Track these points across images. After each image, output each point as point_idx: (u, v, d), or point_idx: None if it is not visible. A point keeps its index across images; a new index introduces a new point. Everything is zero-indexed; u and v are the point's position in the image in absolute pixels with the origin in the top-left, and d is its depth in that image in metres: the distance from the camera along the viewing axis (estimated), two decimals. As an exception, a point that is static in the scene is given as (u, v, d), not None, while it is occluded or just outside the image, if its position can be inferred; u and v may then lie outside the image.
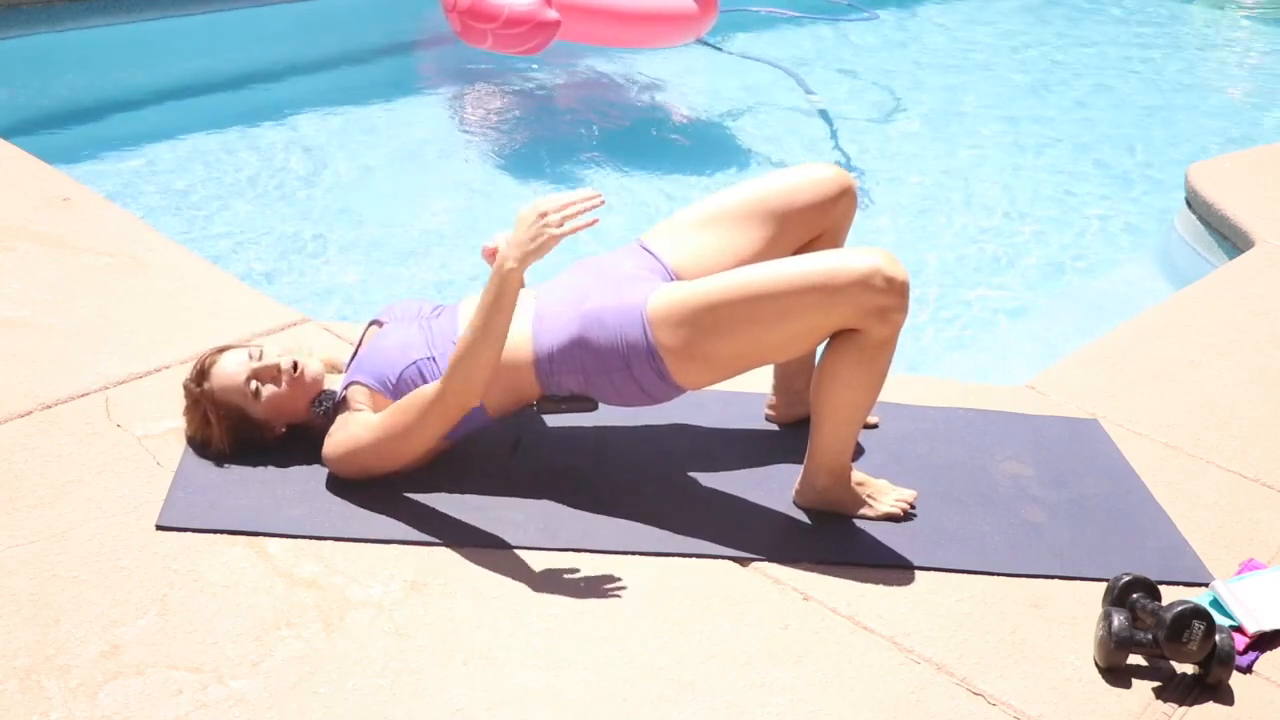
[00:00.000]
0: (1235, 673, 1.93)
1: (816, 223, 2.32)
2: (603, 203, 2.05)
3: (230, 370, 2.21)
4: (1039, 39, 8.03)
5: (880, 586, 2.07)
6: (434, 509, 2.15)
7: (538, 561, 2.06)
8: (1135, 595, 1.97)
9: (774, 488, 2.31)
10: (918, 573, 2.12)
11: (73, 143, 4.96)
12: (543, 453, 2.38)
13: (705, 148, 5.72)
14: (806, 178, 2.32)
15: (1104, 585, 2.05)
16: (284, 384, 2.21)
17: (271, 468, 2.23)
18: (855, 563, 2.13)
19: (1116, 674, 1.92)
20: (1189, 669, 1.92)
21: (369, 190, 4.78)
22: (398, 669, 1.79)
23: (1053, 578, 2.14)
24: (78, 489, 2.13)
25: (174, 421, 2.32)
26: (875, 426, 2.56)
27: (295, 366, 2.22)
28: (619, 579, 2.03)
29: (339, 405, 2.23)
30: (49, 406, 2.37)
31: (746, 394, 2.60)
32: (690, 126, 6.01)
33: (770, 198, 2.30)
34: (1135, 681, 1.91)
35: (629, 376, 2.14)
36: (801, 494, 2.26)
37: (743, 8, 6.85)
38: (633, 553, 2.10)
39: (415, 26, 7.11)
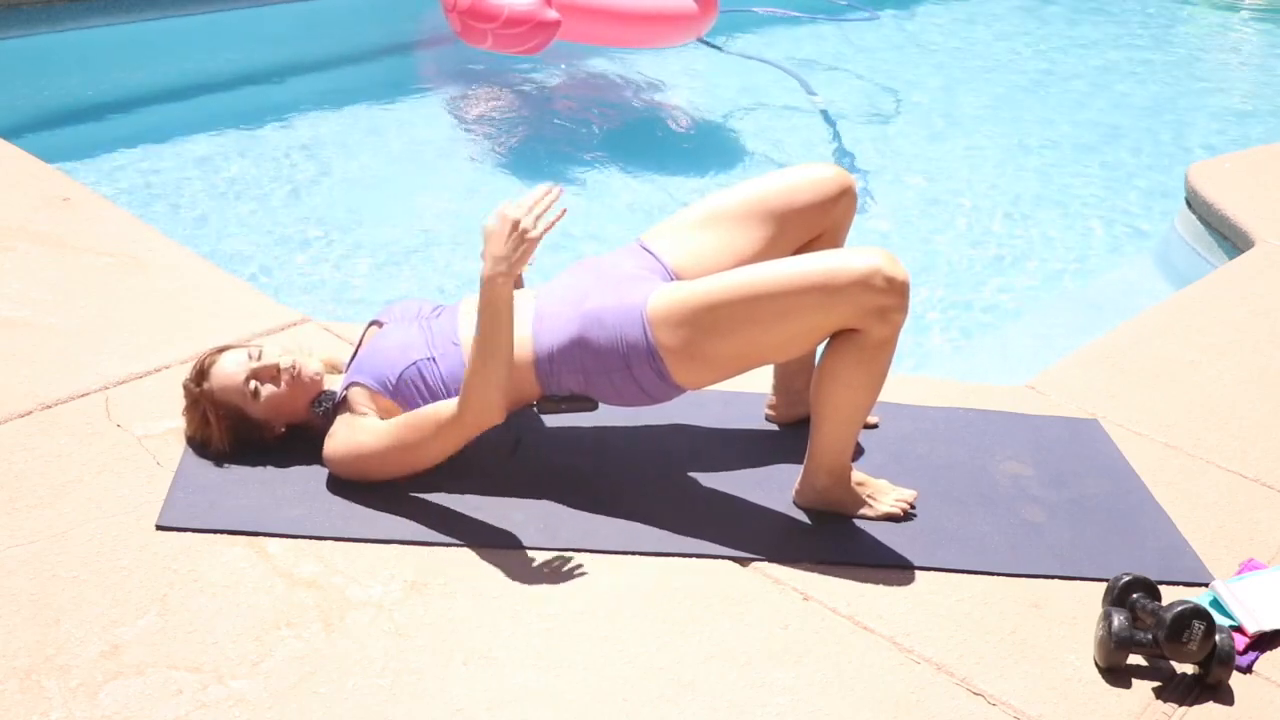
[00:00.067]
0: (1235, 673, 1.93)
1: (816, 223, 2.32)
2: (562, 193, 2.04)
3: (229, 370, 2.21)
4: (1039, 39, 8.04)
5: (880, 586, 2.07)
6: (434, 509, 2.15)
7: (538, 561, 2.06)
8: (1135, 595, 1.97)
9: (774, 488, 2.31)
10: (918, 573, 2.12)
11: (73, 143, 4.96)
12: (543, 453, 2.38)
13: (705, 148, 5.72)
14: (806, 177, 2.32)
15: (1104, 585, 2.05)
16: (283, 384, 2.21)
17: (271, 468, 2.23)
18: (855, 563, 2.13)
19: (1116, 674, 1.92)
20: (1189, 669, 1.92)
21: (369, 190, 4.78)
22: (398, 669, 1.79)
23: (1053, 578, 2.14)
24: (78, 489, 2.13)
25: (174, 421, 2.32)
26: (875, 426, 2.56)
27: (294, 367, 2.22)
28: (619, 579, 2.03)
29: (339, 405, 2.23)
30: (49, 406, 2.37)
31: (746, 394, 2.60)
32: (690, 126, 6.01)
33: (770, 198, 2.30)
34: (1135, 681, 1.91)
35: (629, 376, 2.14)
36: (801, 494, 2.26)
37: (743, 8, 6.84)
38: (633, 553, 2.10)
39: (415, 26, 7.11)
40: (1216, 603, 2.06)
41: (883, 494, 2.28)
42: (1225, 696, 1.90)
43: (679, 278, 2.25)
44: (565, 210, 2.04)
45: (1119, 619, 1.91)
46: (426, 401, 2.16)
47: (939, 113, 6.25)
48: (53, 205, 3.34)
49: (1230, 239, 4.01)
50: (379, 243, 4.25)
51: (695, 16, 5.57)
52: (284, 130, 5.26)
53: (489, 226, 1.99)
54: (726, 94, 6.40)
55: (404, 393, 2.17)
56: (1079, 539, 2.25)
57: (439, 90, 6.35)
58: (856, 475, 2.26)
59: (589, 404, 2.23)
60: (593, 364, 2.15)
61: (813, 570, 2.10)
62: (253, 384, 2.20)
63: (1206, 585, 2.13)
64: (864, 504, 2.25)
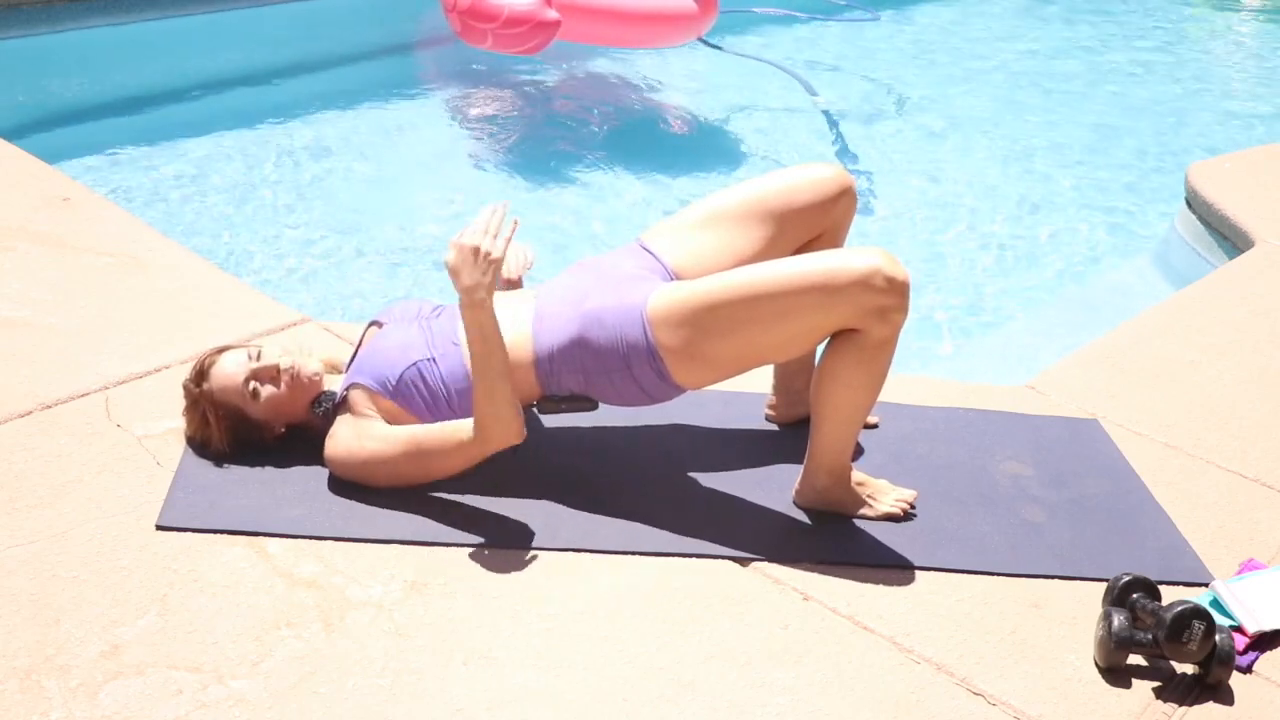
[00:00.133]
0: (1235, 673, 1.93)
1: (816, 222, 2.32)
2: (508, 205, 2.05)
3: (229, 371, 2.21)
4: (1039, 39, 8.04)
5: (880, 586, 2.07)
6: (434, 509, 2.15)
7: (538, 561, 2.06)
8: (1135, 595, 1.97)
9: (774, 488, 2.31)
10: (918, 573, 2.12)
11: (73, 143, 4.96)
12: (543, 453, 2.38)
13: (705, 148, 5.72)
14: (806, 177, 2.32)
15: (1104, 585, 2.05)
16: (283, 385, 2.21)
17: (271, 468, 2.23)
18: (855, 563, 2.13)
19: (1116, 674, 1.92)
20: (1189, 669, 1.92)
21: (368, 190, 4.78)
22: (398, 669, 1.79)
23: (1053, 578, 2.14)
24: (78, 489, 2.13)
25: (174, 421, 2.32)
26: (875, 426, 2.56)
27: (294, 367, 2.22)
28: (619, 579, 2.03)
29: (339, 406, 2.23)
30: (49, 406, 2.37)
31: (746, 394, 2.60)
32: (690, 126, 6.01)
33: (770, 197, 2.30)
34: (1135, 681, 1.91)
35: (629, 376, 2.14)
36: (801, 494, 2.26)
37: (743, 8, 6.84)
38: (633, 553, 2.10)
39: (415, 26, 7.11)
40: (1216, 603, 2.06)
41: (883, 494, 2.28)
42: (1225, 696, 1.89)
43: (679, 278, 2.25)
44: (517, 221, 2.05)
45: (1119, 619, 1.91)
46: (427, 402, 2.16)
47: (939, 113, 6.25)
48: (53, 205, 3.34)
49: (1230, 239, 4.01)
50: (379, 243, 4.25)
51: (695, 16, 5.58)
52: (284, 130, 5.26)
53: (451, 262, 1.99)
54: (726, 94, 6.40)
55: (404, 393, 2.17)
56: (1079, 539, 2.25)
57: (439, 90, 6.35)
58: (856, 475, 2.26)
59: (589, 404, 2.23)
60: (593, 364, 2.15)
61: (813, 570, 2.10)
62: (252, 384, 2.20)
63: (1206, 585, 2.13)
64: (864, 504, 2.25)
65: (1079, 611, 2.05)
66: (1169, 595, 2.01)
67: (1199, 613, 1.86)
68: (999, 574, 2.14)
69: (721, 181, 5.01)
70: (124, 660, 1.75)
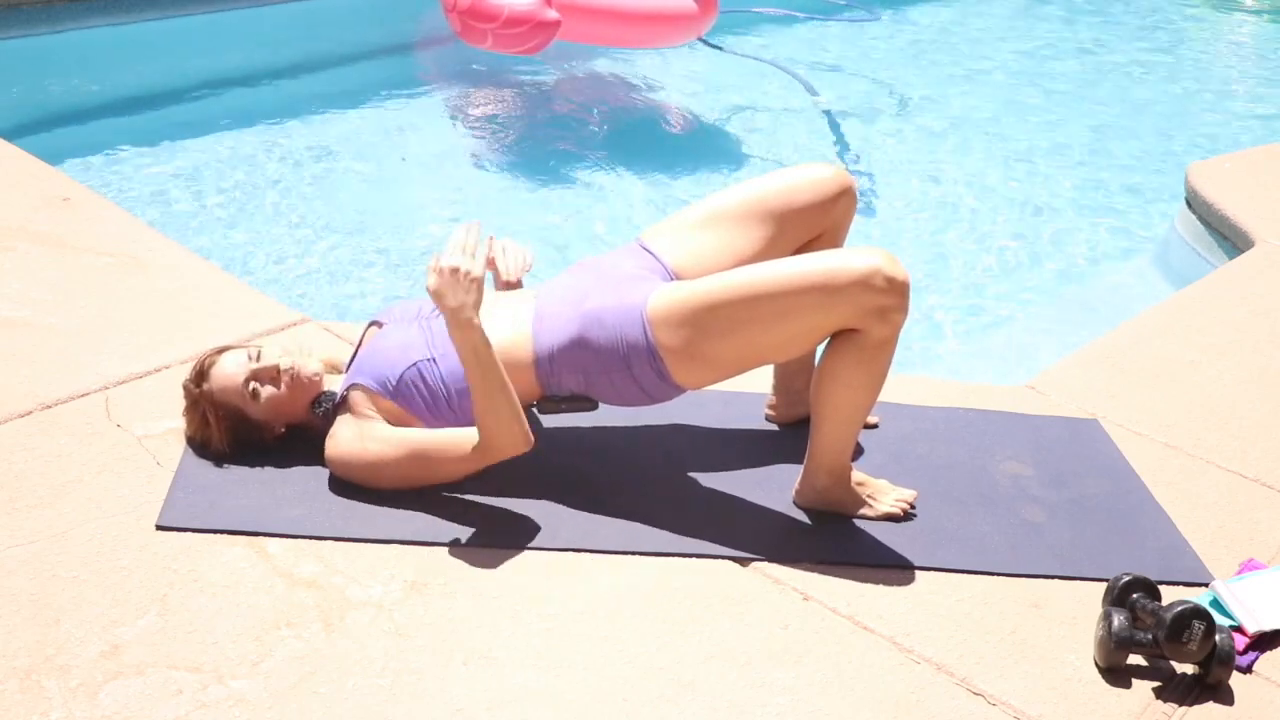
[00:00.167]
0: (1235, 673, 1.93)
1: (816, 222, 2.32)
2: (480, 225, 2.06)
3: (229, 371, 2.21)
4: (1040, 39, 8.03)
5: (880, 586, 2.07)
6: (434, 509, 2.15)
7: (538, 561, 2.06)
8: (1135, 595, 1.97)
9: (774, 488, 2.31)
10: (918, 573, 2.12)
11: (73, 143, 4.96)
12: (543, 453, 2.37)
13: (705, 148, 5.72)
14: (806, 177, 2.32)
15: (1104, 585, 2.05)
16: (283, 385, 2.21)
17: (271, 468, 2.23)
18: (855, 563, 2.13)
19: (1116, 674, 1.92)
20: (1189, 669, 1.92)
21: (368, 190, 4.78)
22: (398, 669, 1.79)
23: (1053, 578, 2.14)
24: (78, 489, 2.13)
25: (174, 421, 2.32)
26: (875, 426, 2.56)
27: (294, 368, 2.22)
28: (619, 579, 2.03)
29: (339, 406, 2.23)
30: (49, 406, 2.37)
31: (746, 394, 2.60)
32: (690, 126, 6.01)
33: (770, 197, 2.30)
34: (1135, 681, 1.91)
35: (629, 376, 2.14)
36: (801, 494, 2.26)
37: (743, 8, 6.84)
38: (633, 553, 2.10)
39: (415, 26, 7.11)
40: (1216, 603, 2.06)
41: (883, 494, 2.28)
42: (1225, 696, 1.89)
43: (679, 277, 2.25)
44: (492, 237, 2.05)
45: (1119, 619, 1.91)
46: (427, 402, 2.16)
47: (939, 113, 6.25)
48: (53, 205, 3.34)
49: (1230, 239, 4.01)
50: (379, 243, 4.25)
51: (695, 16, 5.57)
52: (284, 130, 5.26)
53: (433, 286, 1.98)
54: (726, 94, 6.40)
55: (404, 393, 2.17)
56: (1079, 539, 2.25)
57: (439, 90, 6.35)
58: (856, 475, 2.26)
59: (589, 404, 2.23)
60: (593, 364, 2.15)
61: (813, 570, 2.10)
62: (252, 385, 2.20)
63: (1206, 585, 2.13)
64: (864, 504, 2.25)
65: (1079, 611, 2.05)
66: (1169, 595, 2.01)
67: (1199, 613, 1.86)
68: (999, 574, 2.14)
69: (721, 181, 5.01)
70: (124, 660, 1.75)
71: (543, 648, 1.86)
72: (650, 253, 2.30)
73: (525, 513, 2.17)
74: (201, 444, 2.25)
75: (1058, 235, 4.76)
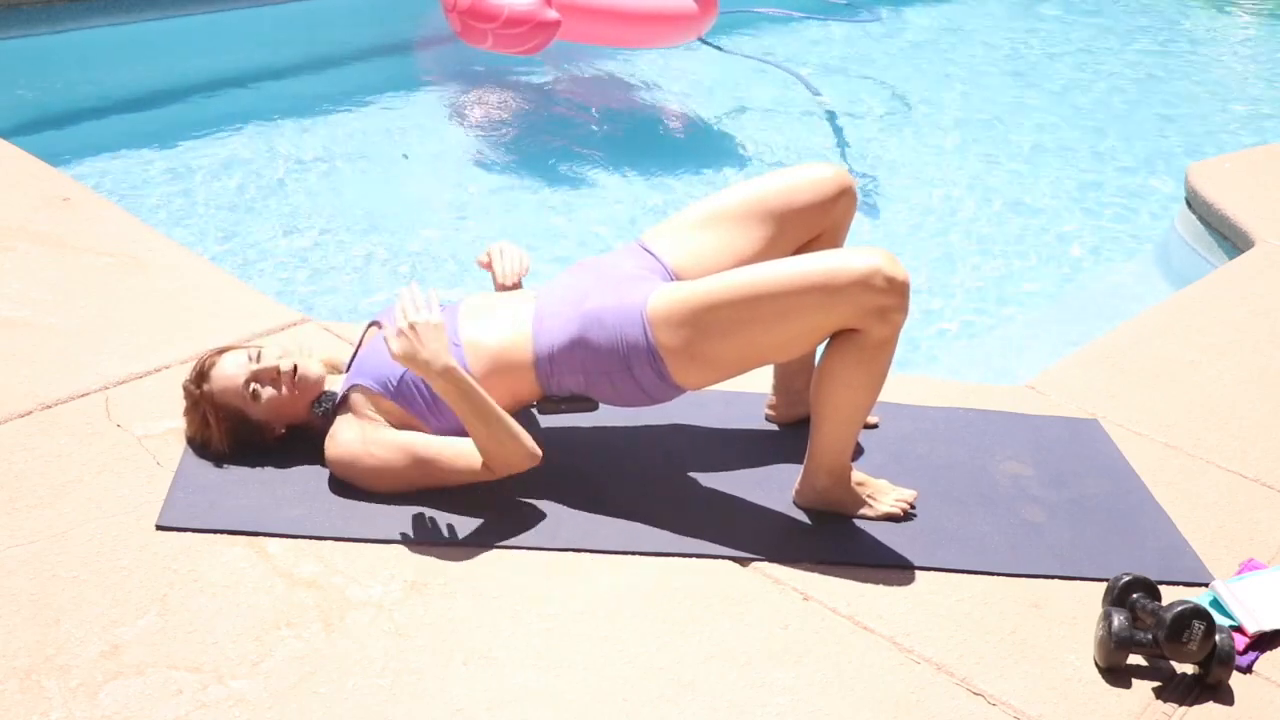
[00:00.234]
0: (1235, 673, 1.93)
1: (816, 222, 2.32)
2: (416, 285, 2.10)
3: (229, 372, 2.21)
4: (1040, 39, 8.03)
5: (880, 586, 2.07)
6: (434, 509, 2.15)
7: (538, 561, 2.06)
8: (1135, 595, 1.97)
9: (774, 488, 2.31)
10: (918, 573, 2.12)
11: (73, 143, 4.96)
12: (543, 453, 2.37)
13: (705, 148, 5.72)
14: (806, 177, 2.32)
15: (1104, 585, 2.05)
16: (283, 386, 2.21)
17: (271, 468, 2.23)
18: (855, 563, 2.13)
19: (1116, 674, 1.92)
20: (1189, 669, 1.92)
21: (368, 190, 4.78)
22: (398, 669, 1.79)
23: (1053, 578, 2.14)
24: (78, 489, 2.13)
25: (174, 421, 2.32)
26: (875, 426, 2.56)
27: (294, 369, 2.22)
28: (619, 579, 2.03)
29: (339, 406, 2.23)
30: (49, 406, 2.37)
31: (746, 394, 2.60)
32: (690, 126, 6.01)
33: (770, 198, 2.30)
34: (1135, 681, 1.91)
35: (629, 377, 2.14)
36: (801, 494, 2.26)
37: (743, 8, 6.84)
38: (633, 553, 2.10)
39: (415, 26, 7.11)
40: (1216, 603, 2.06)
41: (883, 494, 2.28)
42: (1225, 696, 1.90)
43: (679, 278, 2.25)
44: (435, 290, 2.10)
45: (1119, 619, 1.91)
46: (427, 402, 2.16)
47: (940, 113, 6.24)
48: (53, 205, 3.34)
49: (1230, 239, 4.01)
50: (379, 243, 4.25)
51: (695, 16, 5.57)
52: (284, 130, 5.26)
53: (400, 351, 2.01)
54: (727, 94, 6.40)
55: (405, 394, 2.17)
56: (1079, 539, 2.25)
57: (439, 91, 6.35)
58: (856, 475, 2.26)
59: (589, 404, 2.23)
60: (593, 364, 2.15)
61: (813, 570, 2.10)
62: (252, 386, 2.20)
63: (1206, 585, 2.13)
64: (864, 504, 2.25)
65: (1079, 611, 2.05)
66: (1169, 595, 2.01)
67: (1199, 613, 1.86)
68: (999, 574, 2.14)
69: (721, 181, 5.01)
70: (124, 660, 1.75)
71: (543, 648, 1.86)
72: (650, 253, 2.30)
73: (525, 513, 2.17)
74: (202, 444, 2.25)
75: (1058, 235, 4.76)
